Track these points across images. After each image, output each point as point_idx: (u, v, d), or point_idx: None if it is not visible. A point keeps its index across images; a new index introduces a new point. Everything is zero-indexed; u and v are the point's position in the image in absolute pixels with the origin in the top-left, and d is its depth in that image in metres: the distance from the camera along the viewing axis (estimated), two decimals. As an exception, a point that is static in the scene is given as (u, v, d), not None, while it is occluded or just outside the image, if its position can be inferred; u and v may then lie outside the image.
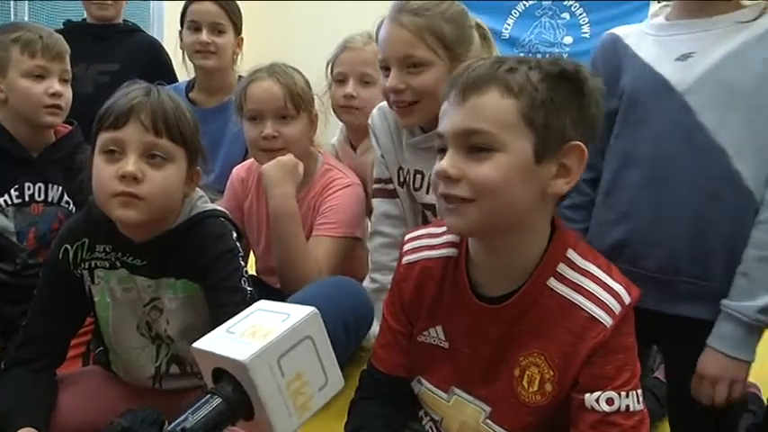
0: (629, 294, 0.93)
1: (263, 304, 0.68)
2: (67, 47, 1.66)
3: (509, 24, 4.99)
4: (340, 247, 1.69)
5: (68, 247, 1.23)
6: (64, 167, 1.63)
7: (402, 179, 1.66)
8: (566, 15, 4.89)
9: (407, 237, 1.11)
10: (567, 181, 0.91)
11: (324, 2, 4.94)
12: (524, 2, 4.97)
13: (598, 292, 0.92)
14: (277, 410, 0.60)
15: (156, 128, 1.12)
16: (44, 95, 1.58)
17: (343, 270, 1.68)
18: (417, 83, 1.42)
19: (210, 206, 1.26)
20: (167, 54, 2.42)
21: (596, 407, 0.89)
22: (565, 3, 4.88)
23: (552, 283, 0.94)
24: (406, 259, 1.08)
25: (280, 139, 1.67)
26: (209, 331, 0.66)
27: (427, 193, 1.59)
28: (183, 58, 2.24)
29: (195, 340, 0.64)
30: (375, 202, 1.73)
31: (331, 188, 1.74)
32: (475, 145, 0.89)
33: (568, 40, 4.86)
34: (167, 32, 4.14)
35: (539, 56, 0.98)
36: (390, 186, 1.70)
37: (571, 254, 0.95)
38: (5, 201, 1.60)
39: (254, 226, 1.83)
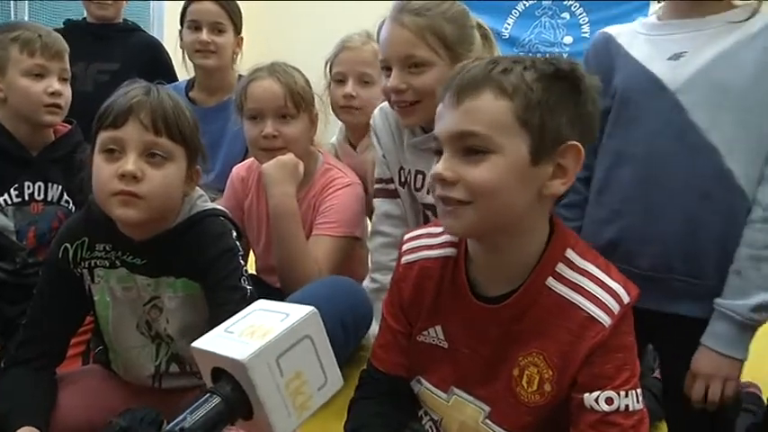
0: (628, 294, 0.93)
1: (261, 304, 0.68)
2: (66, 46, 1.66)
3: (509, 24, 5.00)
4: (340, 246, 1.69)
5: (68, 245, 1.23)
6: (63, 166, 1.63)
7: (403, 179, 1.66)
8: (566, 15, 4.89)
9: (406, 237, 1.12)
10: (563, 181, 0.91)
11: (324, 2, 4.94)
12: (524, 1, 4.97)
13: (597, 291, 0.92)
14: (276, 410, 0.60)
15: (156, 127, 1.12)
16: (43, 94, 1.58)
17: (342, 270, 1.68)
18: (418, 83, 1.42)
19: (210, 205, 1.26)
20: (167, 53, 2.42)
21: (595, 406, 0.89)
22: (565, 2, 4.88)
23: (551, 282, 0.93)
24: (404, 259, 1.09)
25: (280, 138, 1.67)
26: (208, 330, 0.65)
27: (428, 193, 1.59)
28: (183, 57, 2.24)
29: (195, 339, 0.64)
30: (376, 202, 1.73)
31: (331, 187, 1.74)
32: (470, 147, 0.89)
33: (568, 39, 4.87)
34: (167, 32, 4.14)
35: (538, 55, 0.96)
36: (391, 186, 1.70)
37: (570, 253, 0.95)
38: (5, 200, 1.60)
39: (253, 225, 1.84)
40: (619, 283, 0.93)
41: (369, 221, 1.84)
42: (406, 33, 1.41)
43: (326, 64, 1.95)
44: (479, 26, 1.51)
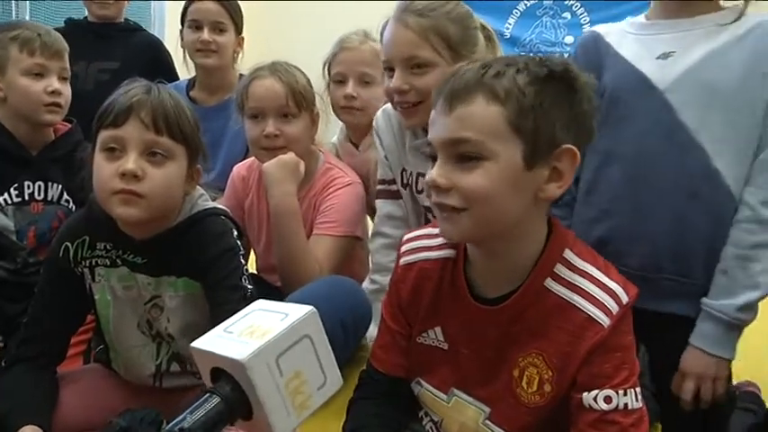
0: (627, 294, 0.92)
1: (261, 303, 0.68)
2: (66, 45, 1.66)
3: (510, 24, 5.00)
4: (340, 245, 1.69)
5: (69, 244, 1.23)
6: (63, 166, 1.63)
7: (405, 181, 1.66)
8: (567, 15, 4.89)
9: (405, 238, 1.11)
10: (559, 185, 0.90)
11: (324, 2, 4.94)
12: (525, 1, 4.97)
13: (595, 292, 0.92)
14: (276, 410, 0.60)
15: (157, 126, 1.12)
16: (43, 94, 1.58)
17: (343, 270, 1.68)
18: (421, 83, 1.42)
19: (211, 204, 1.26)
20: (168, 52, 2.42)
21: (594, 405, 0.89)
22: (566, 2, 4.88)
23: (549, 284, 0.93)
24: (403, 260, 1.08)
25: (281, 137, 1.67)
26: (209, 329, 0.65)
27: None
28: (184, 56, 2.25)
29: (196, 338, 0.64)
30: (378, 203, 1.73)
31: (331, 187, 1.74)
32: (463, 154, 0.88)
33: (569, 39, 4.87)
34: (168, 31, 4.14)
35: (539, 55, 0.96)
36: (394, 187, 1.69)
37: (568, 254, 0.95)
38: (5, 200, 1.60)
39: (254, 224, 1.84)
40: (618, 284, 0.93)
41: (371, 221, 1.84)
42: (410, 34, 1.41)
43: (325, 65, 1.94)
44: (483, 27, 1.51)
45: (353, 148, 2.01)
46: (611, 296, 0.91)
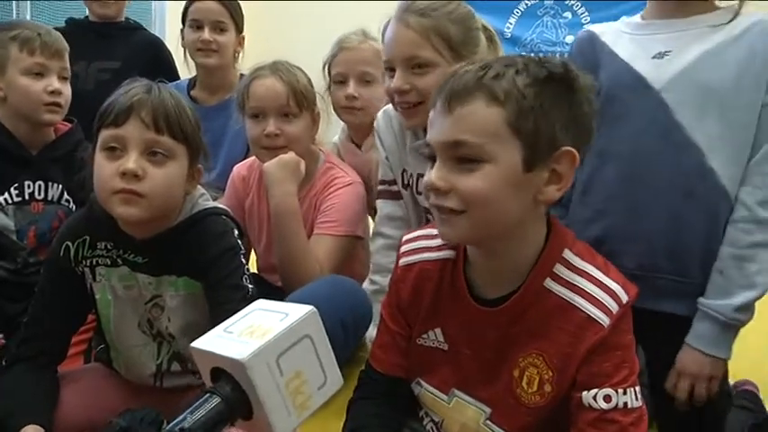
0: (627, 293, 0.92)
1: (261, 303, 0.68)
2: (66, 44, 1.65)
3: (511, 24, 5.00)
4: (341, 245, 1.69)
5: (69, 244, 1.23)
6: (64, 165, 1.63)
7: (406, 182, 1.65)
8: (568, 14, 4.90)
9: (405, 238, 1.11)
10: (558, 187, 0.90)
11: (324, 2, 4.94)
12: (526, 1, 4.97)
13: (595, 292, 0.92)
14: (276, 409, 0.60)
15: (157, 125, 1.12)
16: (43, 93, 1.58)
17: (343, 270, 1.68)
18: (422, 84, 1.42)
19: (212, 204, 1.26)
20: (169, 52, 2.42)
21: (594, 404, 0.89)
22: (567, 2, 4.89)
23: (549, 284, 0.93)
24: (403, 261, 1.08)
25: (282, 136, 1.67)
26: (210, 329, 0.65)
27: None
28: (185, 56, 2.25)
29: (196, 338, 0.64)
30: (379, 203, 1.73)
31: (332, 186, 1.74)
32: (462, 156, 0.88)
33: (570, 39, 4.85)
34: (169, 31, 4.15)
35: (540, 55, 0.95)
36: (395, 188, 1.69)
37: (568, 254, 0.95)
38: (5, 199, 1.60)
39: (255, 224, 1.83)
40: (617, 283, 0.93)
41: (372, 221, 1.84)
42: (411, 34, 1.40)
43: (324, 65, 1.94)
44: (485, 28, 1.51)
45: (356, 147, 2.01)
46: (610, 296, 0.91)
